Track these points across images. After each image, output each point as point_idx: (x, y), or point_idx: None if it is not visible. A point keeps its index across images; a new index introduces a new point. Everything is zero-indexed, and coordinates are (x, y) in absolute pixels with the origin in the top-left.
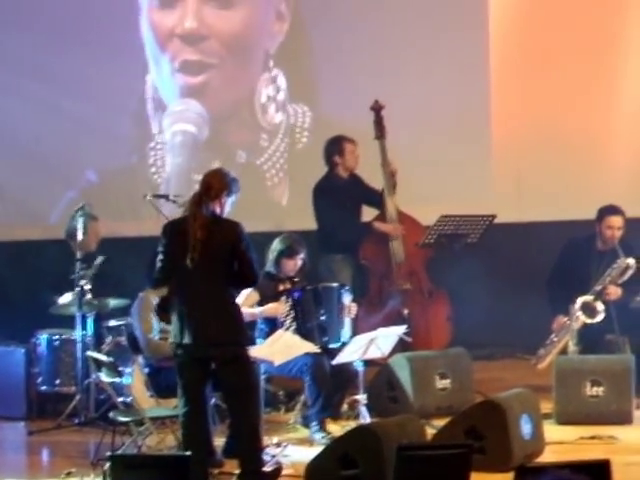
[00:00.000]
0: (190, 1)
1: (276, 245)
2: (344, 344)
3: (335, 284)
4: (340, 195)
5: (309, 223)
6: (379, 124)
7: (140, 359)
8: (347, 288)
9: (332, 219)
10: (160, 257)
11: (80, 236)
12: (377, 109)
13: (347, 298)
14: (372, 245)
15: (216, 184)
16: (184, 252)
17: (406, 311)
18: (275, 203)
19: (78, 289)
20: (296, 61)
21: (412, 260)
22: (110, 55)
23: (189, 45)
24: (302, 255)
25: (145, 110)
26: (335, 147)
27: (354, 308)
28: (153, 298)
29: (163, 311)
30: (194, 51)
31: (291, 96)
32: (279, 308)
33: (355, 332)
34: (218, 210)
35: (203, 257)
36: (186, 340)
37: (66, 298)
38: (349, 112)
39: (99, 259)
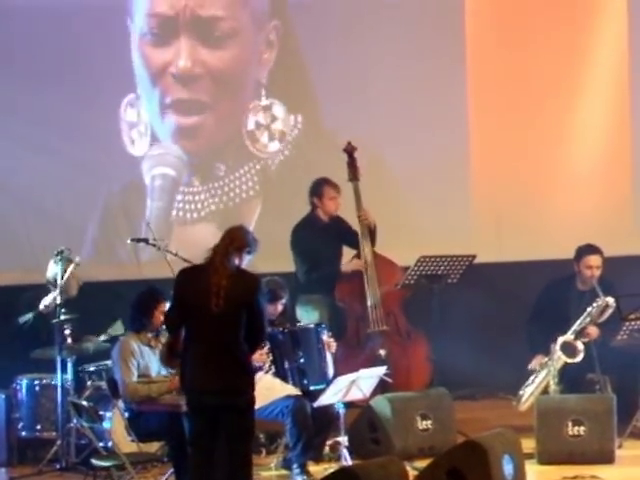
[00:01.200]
0: (183, 40)
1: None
2: (327, 383)
3: (311, 324)
4: (318, 239)
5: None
6: (352, 166)
7: (120, 403)
8: (324, 326)
9: (310, 261)
10: (174, 303)
11: (60, 281)
12: (350, 151)
13: (325, 335)
14: (347, 286)
15: (241, 239)
16: (204, 299)
17: (383, 352)
18: None
19: (58, 333)
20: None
21: (388, 301)
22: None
23: (182, 84)
24: (284, 300)
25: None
26: (316, 189)
27: (333, 344)
28: (134, 342)
29: (172, 356)
30: (187, 90)
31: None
32: (257, 357)
33: (335, 374)
34: (237, 263)
35: (226, 305)
36: (196, 385)
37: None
38: (327, 151)
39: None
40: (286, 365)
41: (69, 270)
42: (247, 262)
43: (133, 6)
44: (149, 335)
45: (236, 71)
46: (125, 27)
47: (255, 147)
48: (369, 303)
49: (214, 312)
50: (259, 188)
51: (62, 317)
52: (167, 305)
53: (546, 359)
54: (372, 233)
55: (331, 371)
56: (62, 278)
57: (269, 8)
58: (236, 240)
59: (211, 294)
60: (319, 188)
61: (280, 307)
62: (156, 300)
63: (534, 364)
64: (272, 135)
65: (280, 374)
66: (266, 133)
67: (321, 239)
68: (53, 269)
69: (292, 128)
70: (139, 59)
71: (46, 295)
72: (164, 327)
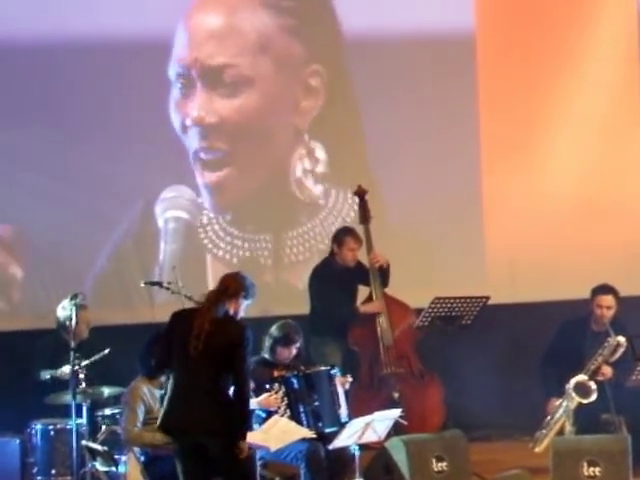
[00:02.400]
0: (199, 91)
1: (273, 332)
2: (343, 424)
3: (323, 367)
4: (335, 283)
5: (298, 308)
6: (364, 208)
7: (136, 447)
8: (336, 368)
9: (324, 303)
10: (162, 343)
11: (73, 325)
12: (361, 194)
13: (337, 376)
14: (359, 329)
15: (234, 285)
16: (185, 341)
17: (397, 394)
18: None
19: (72, 377)
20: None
21: (401, 343)
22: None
23: (202, 137)
24: (298, 344)
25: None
26: (338, 238)
27: (347, 380)
28: (145, 387)
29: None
30: (204, 141)
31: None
32: (271, 401)
33: (351, 416)
34: (232, 310)
35: (205, 349)
36: (173, 425)
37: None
38: None
39: (103, 352)
40: (301, 408)
41: (79, 314)
42: (245, 307)
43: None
44: (162, 378)
45: (257, 119)
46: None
47: (303, 194)
48: (382, 345)
49: (192, 355)
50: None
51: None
52: None
53: (560, 401)
54: (385, 274)
55: (345, 413)
56: (74, 322)
57: (305, 53)
58: (230, 287)
59: (192, 337)
60: (341, 237)
61: (294, 351)
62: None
63: (549, 407)
64: (317, 179)
65: (295, 417)
66: (310, 177)
67: (338, 283)
68: (63, 312)
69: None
70: (175, 109)
71: (57, 342)
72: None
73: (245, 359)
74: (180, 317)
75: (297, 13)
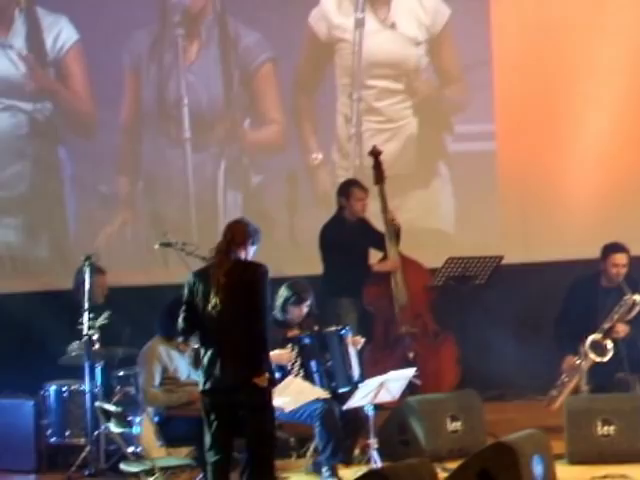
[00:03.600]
0: None
1: (283, 292)
2: (355, 385)
3: (334, 327)
4: (346, 239)
5: (312, 268)
6: (378, 169)
7: (150, 408)
8: (347, 328)
9: (337, 262)
10: (184, 307)
11: (87, 288)
12: (375, 154)
13: (348, 336)
14: (374, 289)
15: (241, 233)
16: (207, 298)
17: (412, 354)
18: (278, 246)
19: (86, 339)
20: None
21: (416, 303)
22: None
23: None
24: (308, 302)
25: None
26: (344, 190)
27: (359, 341)
28: (162, 347)
29: (198, 361)
30: None
31: None
32: (284, 356)
33: (364, 376)
34: (243, 256)
35: (226, 302)
36: (212, 386)
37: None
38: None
39: (104, 315)
40: (314, 368)
41: (95, 279)
42: (253, 253)
43: None
44: (178, 339)
45: None
46: None
47: None
48: (397, 305)
49: (214, 313)
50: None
51: (90, 324)
52: None
53: (576, 359)
54: (397, 236)
55: (357, 373)
56: (90, 286)
57: None
58: (237, 234)
59: (212, 294)
60: (347, 189)
61: (305, 309)
62: (175, 304)
63: (564, 365)
64: None
65: (309, 377)
66: None
67: (349, 239)
68: (79, 275)
69: None
70: None
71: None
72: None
73: (263, 295)
74: (197, 278)
75: None
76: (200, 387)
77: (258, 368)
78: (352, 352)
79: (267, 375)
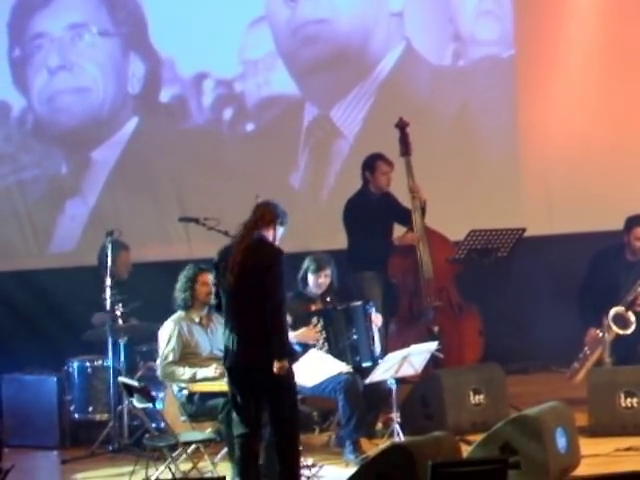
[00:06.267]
0: None
1: (303, 263)
2: (376, 361)
3: (359, 302)
4: (370, 212)
5: (338, 243)
6: (404, 141)
7: (174, 385)
8: (371, 304)
9: (362, 236)
10: (215, 281)
11: (110, 264)
12: (402, 126)
13: (372, 311)
14: (399, 262)
15: (269, 213)
16: (225, 276)
17: (436, 328)
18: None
19: (110, 315)
20: None
21: (441, 276)
22: None
23: None
24: (328, 271)
25: None
26: (369, 164)
27: (379, 319)
28: (183, 321)
29: None
30: None
31: None
32: (310, 334)
33: (386, 350)
34: (271, 237)
35: (238, 281)
36: (230, 365)
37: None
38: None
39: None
40: (339, 342)
41: (119, 255)
42: (281, 234)
43: None
44: (201, 313)
45: None
46: None
47: None
48: (422, 278)
49: (231, 289)
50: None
51: (113, 299)
52: (208, 275)
53: (598, 331)
54: (423, 209)
55: (378, 348)
56: (114, 262)
57: None
58: (266, 214)
59: (227, 272)
60: (372, 162)
61: (324, 278)
62: (194, 273)
63: (587, 337)
64: None
65: (333, 351)
66: None
67: (374, 212)
68: (103, 251)
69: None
70: None
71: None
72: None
73: (277, 280)
74: (223, 254)
75: None
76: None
77: (272, 351)
78: (375, 328)
79: (285, 364)
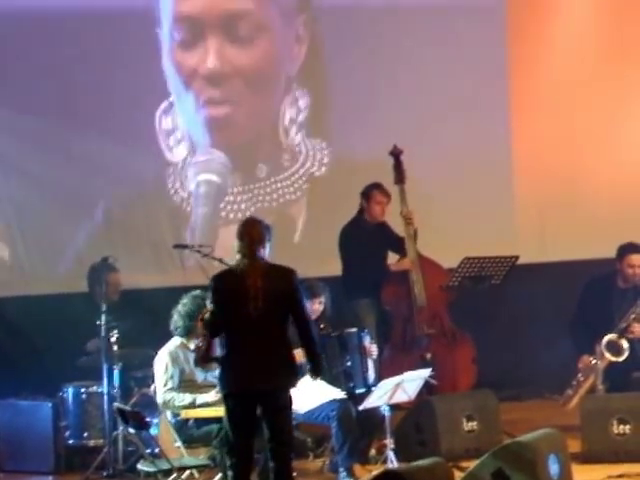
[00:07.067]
0: (211, 41)
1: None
2: (370, 388)
3: (353, 329)
4: (365, 240)
5: (331, 269)
6: (398, 169)
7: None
8: (366, 331)
9: (356, 263)
10: (213, 307)
11: (102, 287)
12: (396, 154)
13: (367, 340)
14: (393, 289)
15: (258, 232)
16: (243, 302)
17: (430, 355)
18: (293, 245)
19: (104, 340)
20: (315, 82)
21: (434, 303)
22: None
23: (212, 84)
24: (322, 298)
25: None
26: (366, 192)
27: (374, 349)
28: (179, 349)
29: (208, 359)
30: (217, 89)
31: (310, 127)
32: (302, 354)
33: (380, 377)
34: (263, 255)
35: (265, 305)
36: (242, 388)
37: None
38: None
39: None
40: (333, 369)
41: (109, 277)
42: (269, 249)
43: (161, 13)
44: (195, 341)
45: (266, 67)
46: (154, 36)
47: (287, 141)
48: (415, 305)
49: (255, 315)
50: (305, 189)
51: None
52: None
53: (592, 358)
54: (415, 236)
55: (372, 376)
56: (106, 285)
57: (297, 2)
58: (255, 235)
59: (249, 297)
60: (369, 191)
61: (318, 306)
62: (199, 305)
63: (580, 364)
64: (300, 127)
65: (327, 378)
66: (294, 126)
67: (368, 240)
68: (93, 275)
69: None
70: (171, 66)
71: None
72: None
73: (302, 300)
74: (226, 279)
75: None
76: (225, 389)
77: (315, 359)
78: (368, 354)
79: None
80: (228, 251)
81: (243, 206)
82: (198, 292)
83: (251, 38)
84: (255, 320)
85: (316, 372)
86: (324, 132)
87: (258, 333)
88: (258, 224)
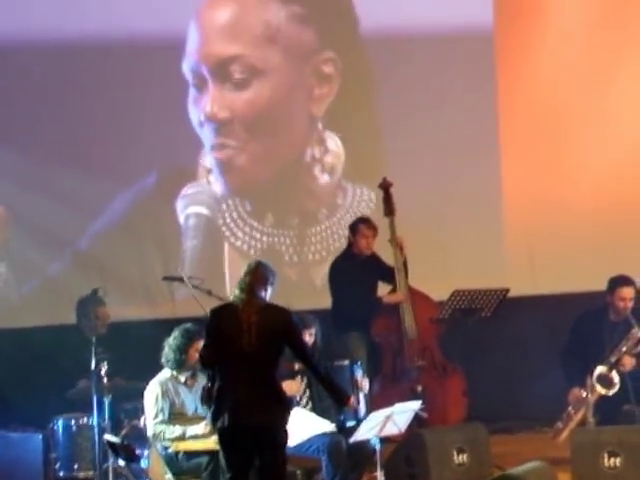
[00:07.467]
0: (211, 87)
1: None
2: (360, 421)
3: (347, 361)
4: (355, 273)
5: (322, 301)
6: (388, 201)
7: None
8: (359, 364)
9: (347, 296)
10: (208, 342)
11: (90, 320)
12: (386, 187)
13: (359, 374)
14: (383, 321)
15: (263, 273)
16: (236, 337)
17: (420, 387)
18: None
19: (94, 373)
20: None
21: (425, 336)
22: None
23: (213, 130)
24: (312, 330)
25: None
26: (353, 226)
27: (366, 383)
28: (169, 382)
29: (210, 398)
30: (219, 135)
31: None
32: (294, 387)
33: (371, 409)
34: (264, 296)
35: (258, 341)
36: (233, 422)
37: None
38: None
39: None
40: (323, 401)
41: (97, 309)
42: (270, 294)
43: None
44: (186, 374)
45: (267, 111)
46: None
47: (307, 180)
48: (406, 338)
49: (247, 350)
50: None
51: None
52: (200, 343)
53: (582, 391)
54: (405, 268)
55: (363, 409)
56: (94, 318)
57: (317, 40)
58: (258, 275)
59: (242, 332)
60: (355, 225)
61: (309, 338)
62: (190, 339)
63: (571, 397)
64: (323, 168)
65: (317, 410)
66: (319, 166)
67: (358, 274)
68: (82, 307)
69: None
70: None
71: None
72: (199, 366)
73: (304, 341)
74: (222, 313)
75: (308, 1)
76: (219, 423)
77: (339, 393)
78: (360, 388)
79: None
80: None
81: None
82: (189, 325)
83: (245, 82)
84: (248, 355)
85: (339, 399)
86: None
87: (251, 368)
88: (264, 266)
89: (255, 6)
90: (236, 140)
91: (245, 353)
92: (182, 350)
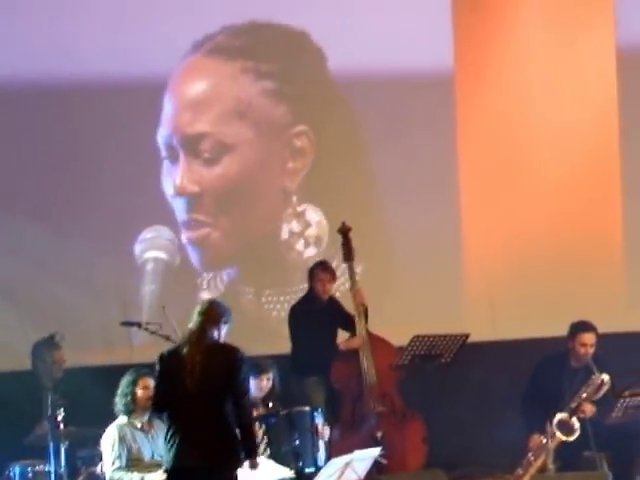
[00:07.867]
0: (182, 160)
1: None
2: (319, 468)
3: (307, 408)
4: (314, 318)
5: (280, 347)
6: (347, 247)
7: None
8: (319, 411)
9: (305, 342)
10: (158, 385)
11: (46, 364)
12: (344, 231)
13: (319, 421)
14: (342, 367)
15: (215, 311)
16: (182, 377)
17: (380, 434)
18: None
19: (51, 419)
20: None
21: (384, 382)
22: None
23: (185, 204)
24: (270, 375)
25: None
26: (310, 271)
27: (327, 431)
28: (126, 427)
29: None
30: (188, 210)
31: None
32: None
33: (330, 455)
34: (216, 336)
35: (202, 380)
36: (176, 465)
37: (43, 429)
38: None
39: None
40: (281, 447)
41: (53, 354)
42: (225, 333)
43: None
44: (143, 419)
45: (239, 184)
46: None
47: (290, 256)
48: (365, 383)
49: (192, 390)
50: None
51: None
52: (148, 380)
53: (543, 438)
54: (365, 314)
55: (323, 456)
56: (51, 363)
57: (289, 114)
58: (211, 314)
59: (187, 373)
60: (312, 269)
61: (266, 382)
62: (135, 378)
63: (531, 443)
64: (307, 242)
65: (275, 457)
66: (301, 240)
67: (318, 319)
68: (37, 352)
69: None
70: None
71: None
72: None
73: (242, 381)
74: (169, 356)
75: (278, 75)
76: (166, 464)
77: (249, 446)
78: (320, 436)
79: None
80: None
81: None
82: (132, 370)
83: (215, 159)
84: (193, 396)
85: (249, 455)
86: None
87: (197, 408)
88: (216, 304)
89: (227, 81)
90: (206, 215)
91: (190, 394)
92: (127, 392)
